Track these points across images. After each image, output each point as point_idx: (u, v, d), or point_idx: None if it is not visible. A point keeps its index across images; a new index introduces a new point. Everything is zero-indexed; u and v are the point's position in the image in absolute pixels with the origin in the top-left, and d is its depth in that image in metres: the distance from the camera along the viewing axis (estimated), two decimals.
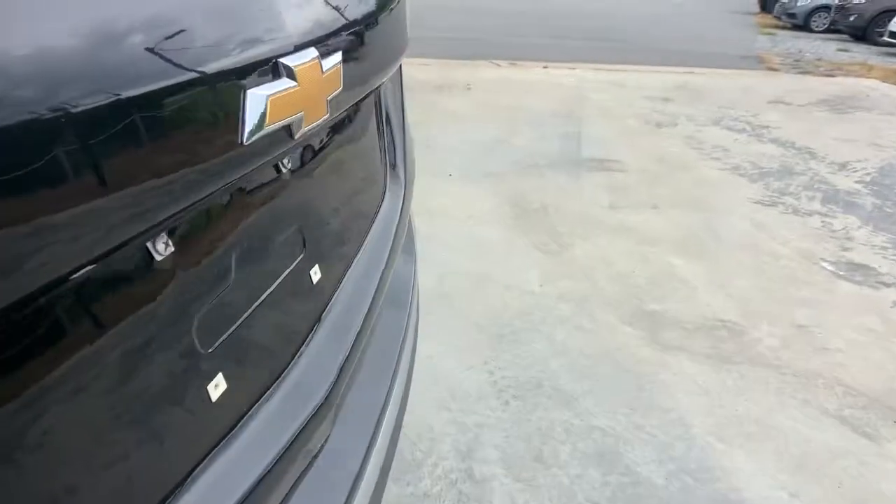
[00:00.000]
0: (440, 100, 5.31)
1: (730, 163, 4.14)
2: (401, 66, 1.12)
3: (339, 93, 0.57)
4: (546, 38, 9.91)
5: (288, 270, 0.66)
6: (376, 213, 0.93)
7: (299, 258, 0.69)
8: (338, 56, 0.56)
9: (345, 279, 0.79)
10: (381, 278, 0.85)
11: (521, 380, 2.04)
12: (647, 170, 3.91)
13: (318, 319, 0.71)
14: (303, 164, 0.70)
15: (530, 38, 9.92)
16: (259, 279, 0.61)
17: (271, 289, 0.62)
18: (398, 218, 0.96)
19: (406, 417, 1.90)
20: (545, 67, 6.82)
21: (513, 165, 3.86)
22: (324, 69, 0.52)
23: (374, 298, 0.79)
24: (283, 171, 0.65)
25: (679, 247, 2.95)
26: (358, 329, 0.74)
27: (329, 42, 0.54)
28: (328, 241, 0.77)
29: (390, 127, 1.05)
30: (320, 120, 0.53)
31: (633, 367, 2.12)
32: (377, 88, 0.97)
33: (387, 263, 0.87)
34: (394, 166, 1.04)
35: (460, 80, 6.06)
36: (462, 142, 4.26)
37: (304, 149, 0.70)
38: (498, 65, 6.88)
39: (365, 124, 0.94)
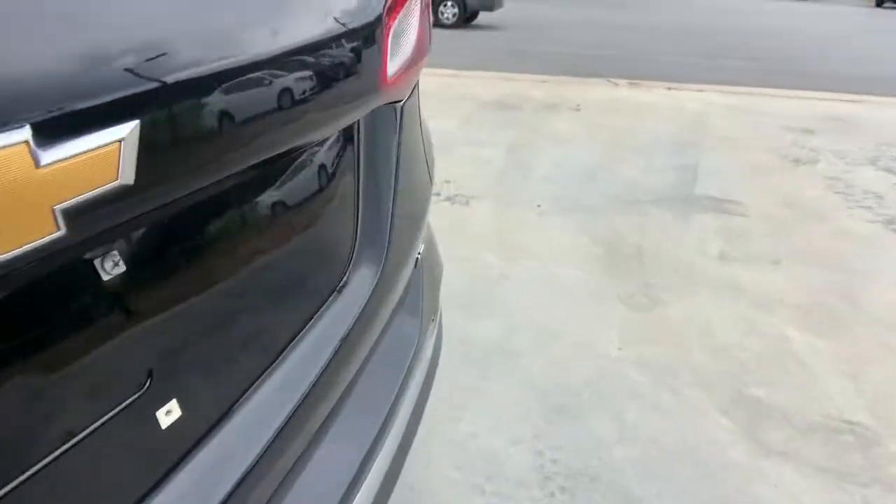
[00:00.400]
0: (546, 120, 5.01)
1: (884, 213, 3.45)
2: (410, 109, 0.89)
3: (116, 190, 0.36)
4: (687, 57, 9.21)
5: (105, 418, 0.45)
6: (320, 309, 0.71)
7: (136, 396, 0.48)
8: (111, 133, 0.35)
9: (232, 414, 0.57)
10: (298, 408, 0.62)
11: (573, 467, 1.72)
12: (774, 216, 3.35)
13: (156, 487, 0.50)
14: (164, 255, 0.49)
15: (667, 55, 9.27)
16: (41, 436, 0.40)
17: (60, 450, 0.41)
18: (358, 311, 0.73)
19: (427, 495, 1.66)
20: (669, 89, 6.26)
21: (611, 199, 3.48)
22: (42, 161, 0.31)
23: (271, 446, 0.57)
24: (105, 275, 0.44)
25: (802, 317, 2.44)
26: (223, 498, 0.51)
27: (74, 109, 0.33)
28: (204, 364, 0.55)
29: (378, 184, 0.83)
30: (37, 244, 0.32)
31: (721, 471, 1.72)
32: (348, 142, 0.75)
33: (315, 384, 0.64)
34: (372, 237, 0.82)
35: (571, 99, 5.71)
36: (559, 168, 3.94)
37: (166, 232, 0.49)
38: (616, 84, 6.43)
39: (322, 187, 0.72)
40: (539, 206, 3.35)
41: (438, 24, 12.78)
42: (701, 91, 6.17)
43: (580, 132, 4.73)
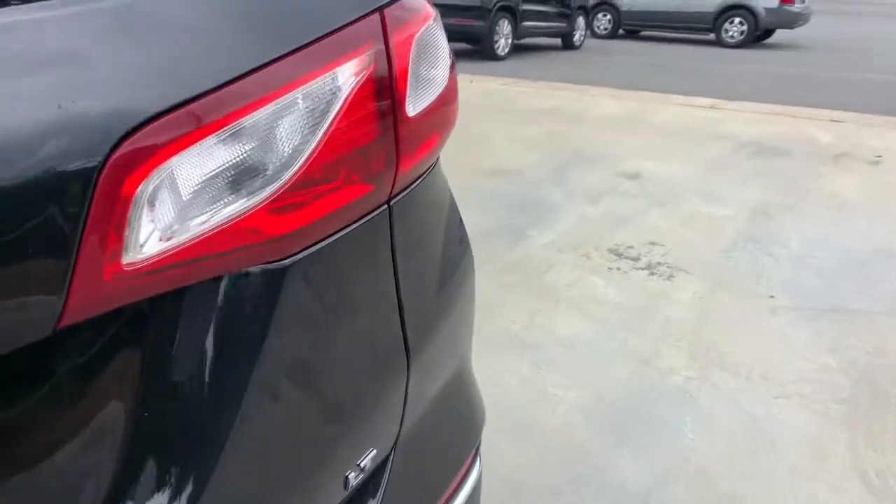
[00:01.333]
0: (823, 174, 3.88)
1: None
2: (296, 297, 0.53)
3: None
4: None
5: None
6: None
7: None
8: None
9: None
10: None
11: None
12: None
13: None
14: None
15: None
16: None
17: None
18: None
19: None
20: None
21: (895, 304, 2.44)
22: None
23: None
24: None
25: None
26: None
27: None
28: None
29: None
30: None
31: None
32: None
33: None
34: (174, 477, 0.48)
35: (871, 147, 4.36)
36: (821, 247, 2.94)
37: None
38: None
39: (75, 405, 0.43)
40: (772, 297, 2.50)
41: (720, 42, 11.35)
42: None
43: (871, 196, 3.53)
